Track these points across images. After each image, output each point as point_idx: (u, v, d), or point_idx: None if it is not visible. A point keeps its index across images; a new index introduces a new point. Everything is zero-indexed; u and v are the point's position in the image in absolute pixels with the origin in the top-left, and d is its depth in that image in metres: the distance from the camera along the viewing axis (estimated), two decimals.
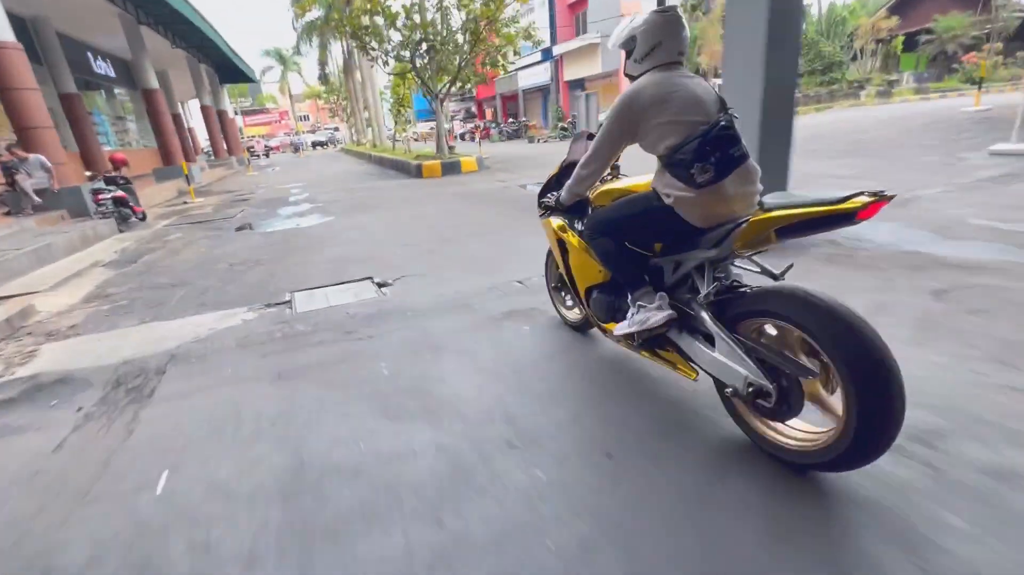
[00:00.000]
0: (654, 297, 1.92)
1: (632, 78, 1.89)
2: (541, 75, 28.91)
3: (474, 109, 39.73)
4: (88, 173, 10.26)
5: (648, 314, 1.90)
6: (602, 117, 1.94)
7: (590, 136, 2.32)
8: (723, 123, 1.67)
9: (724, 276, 1.84)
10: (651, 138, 1.78)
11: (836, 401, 1.51)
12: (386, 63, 14.26)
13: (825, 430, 1.57)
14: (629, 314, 2.01)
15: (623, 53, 1.93)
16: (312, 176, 15.58)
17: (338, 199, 9.54)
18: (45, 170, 7.84)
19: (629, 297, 2.02)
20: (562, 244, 2.45)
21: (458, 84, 14.68)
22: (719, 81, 4.39)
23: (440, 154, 14.10)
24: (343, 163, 20.89)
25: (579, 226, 2.36)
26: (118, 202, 8.10)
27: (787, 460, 1.65)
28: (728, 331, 1.70)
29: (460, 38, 13.74)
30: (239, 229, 7.29)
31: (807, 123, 15.16)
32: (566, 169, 2.41)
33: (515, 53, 15.31)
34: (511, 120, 29.57)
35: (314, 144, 40.49)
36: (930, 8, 26.02)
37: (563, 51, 26.03)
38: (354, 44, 15.61)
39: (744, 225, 1.61)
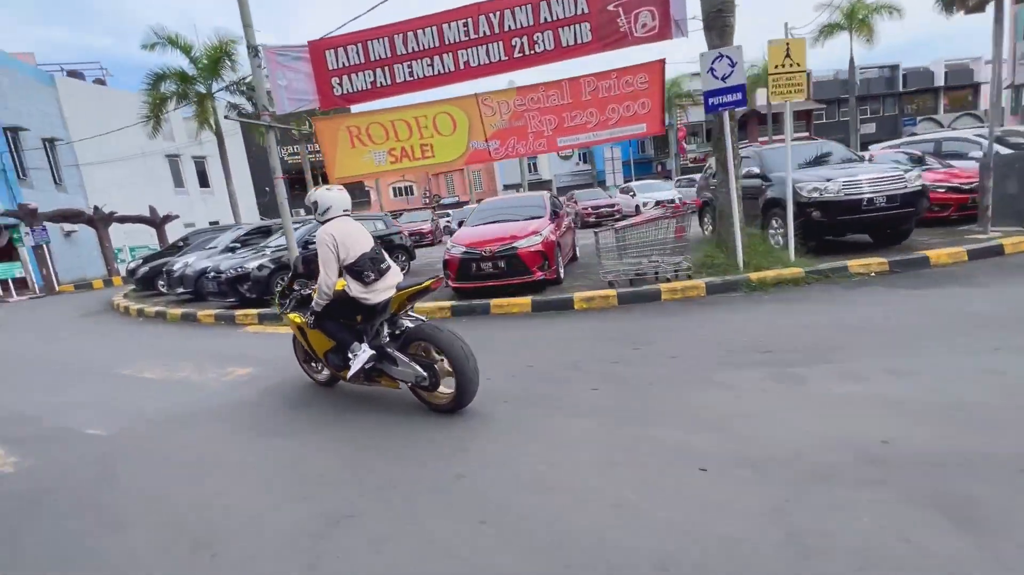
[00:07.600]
0: (360, 347, 3.40)
1: (320, 222, 3.42)
2: None
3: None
4: None
5: (360, 357, 3.36)
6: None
7: (295, 266, 4.48)
8: (375, 249, 3.36)
9: (399, 326, 3.48)
10: (344, 257, 3.27)
11: (450, 379, 3.27)
12: None
13: (449, 392, 3.31)
14: (350, 362, 3.41)
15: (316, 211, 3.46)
16: None
17: None
18: None
19: (348, 352, 3.43)
20: (301, 330, 3.91)
21: None
22: None
23: None
24: None
25: (307, 317, 3.67)
26: None
27: (439, 409, 3.38)
28: (403, 354, 3.33)
29: None
30: None
31: None
32: (293, 279, 4.05)
33: None
34: None
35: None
36: None
37: None
38: None
39: (391, 300, 3.38)
